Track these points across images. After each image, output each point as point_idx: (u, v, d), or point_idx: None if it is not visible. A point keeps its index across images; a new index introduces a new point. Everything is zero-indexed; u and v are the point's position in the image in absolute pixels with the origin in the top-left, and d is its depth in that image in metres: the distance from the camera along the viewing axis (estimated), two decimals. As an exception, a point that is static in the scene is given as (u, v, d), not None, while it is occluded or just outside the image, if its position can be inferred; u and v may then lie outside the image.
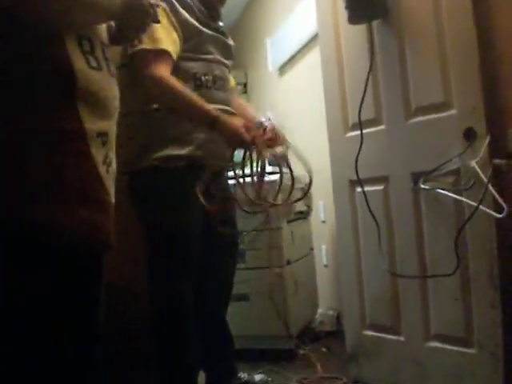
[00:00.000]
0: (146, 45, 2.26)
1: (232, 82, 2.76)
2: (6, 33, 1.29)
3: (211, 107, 2.34)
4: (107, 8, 1.49)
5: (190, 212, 2.38)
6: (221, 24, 2.67)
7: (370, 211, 2.59)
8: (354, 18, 2.56)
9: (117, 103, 1.54)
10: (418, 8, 2.48)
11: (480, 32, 2.27)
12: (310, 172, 2.39)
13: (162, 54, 2.30)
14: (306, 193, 2.56)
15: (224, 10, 2.67)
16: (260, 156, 2.35)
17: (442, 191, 2.36)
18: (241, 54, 2.67)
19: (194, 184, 2.31)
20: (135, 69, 2.31)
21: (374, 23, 2.60)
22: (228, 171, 2.61)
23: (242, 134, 2.31)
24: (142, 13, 1.61)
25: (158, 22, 1.76)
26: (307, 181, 2.42)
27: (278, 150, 2.44)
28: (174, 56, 2.35)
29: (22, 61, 1.31)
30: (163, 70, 2.29)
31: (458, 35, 2.32)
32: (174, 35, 2.37)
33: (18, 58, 1.31)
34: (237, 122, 2.35)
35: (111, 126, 1.51)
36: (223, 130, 2.32)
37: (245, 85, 6.40)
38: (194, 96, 2.33)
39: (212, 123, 2.31)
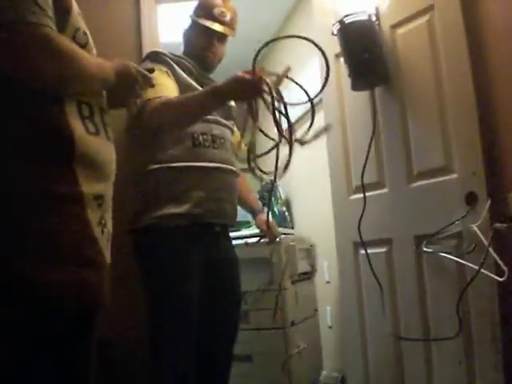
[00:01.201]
0: (148, 95, 2.26)
1: (237, 137, 2.76)
2: (6, 96, 1.35)
3: (206, 88, 2.30)
4: (101, 78, 1.56)
5: (190, 271, 2.36)
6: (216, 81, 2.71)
7: (374, 273, 2.61)
8: (357, 86, 2.65)
9: (114, 166, 1.59)
10: (419, 75, 2.56)
11: (480, 98, 2.35)
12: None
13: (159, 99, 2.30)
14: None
15: (231, 71, 2.69)
16: (273, 86, 2.17)
17: (444, 254, 2.39)
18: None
19: (194, 242, 2.34)
20: (142, 123, 2.33)
21: (377, 89, 2.68)
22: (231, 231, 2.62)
23: (244, 77, 2.16)
24: (132, 81, 1.69)
25: (152, 86, 1.83)
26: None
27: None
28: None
29: (22, 124, 1.37)
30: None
31: (458, 101, 2.39)
32: (174, 92, 2.40)
33: (18, 121, 1.37)
34: (233, 76, 2.20)
35: (108, 189, 1.55)
36: (229, 91, 2.20)
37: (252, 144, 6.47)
38: (188, 94, 2.32)
39: (216, 96, 2.22)
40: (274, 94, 2.13)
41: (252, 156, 2.25)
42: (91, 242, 1.44)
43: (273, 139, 2.22)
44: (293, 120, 2.24)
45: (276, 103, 2.15)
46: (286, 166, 2.23)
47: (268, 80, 2.16)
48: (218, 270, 2.49)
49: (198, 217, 2.38)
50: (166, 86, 2.37)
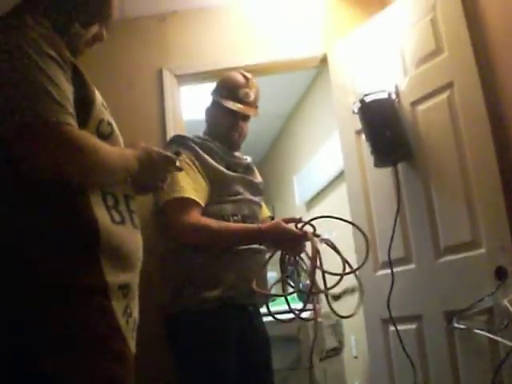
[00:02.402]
0: (172, 194, 2.33)
1: (266, 212, 2.82)
2: (32, 187, 1.37)
3: (249, 225, 2.42)
4: (124, 168, 1.57)
5: (224, 351, 2.34)
6: (248, 159, 2.75)
7: (405, 351, 2.56)
8: (380, 163, 2.68)
9: (140, 254, 1.58)
10: (441, 150, 2.57)
11: (504, 171, 2.34)
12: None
13: (189, 201, 2.37)
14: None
15: (251, 146, 2.76)
16: (313, 245, 2.31)
17: (476, 330, 2.34)
18: (267, 189, 2.78)
19: (227, 324, 2.33)
20: (168, 221, 2.40)
21: (400, 164, 2.70)
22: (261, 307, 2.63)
23: (293, 231, 2.35)
24: (156, 166, 1.69)
25: (180, 170, 1.86)
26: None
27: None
28: (201, 201, 2.40)
29: (48, 215, 1.37)
30: (193, 216, 2.35)
31: (482, 175, 2.40)
32: (200, 181, 2.44)
33: (44, 212, 1.37)
34: (277, 223, 2.39)
35: (133, 278, 1.54)
36: (272, 238, 2.36)
37: (272, 218, 6.49)
38: (231, 224, 2.40)
39: (258, 238, 2.37)
40: (316, 260, 2.28)
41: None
42: (116, 333, 1.42)
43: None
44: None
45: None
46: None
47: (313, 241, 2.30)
48: (251, 349, 2.47)
49: (230, 300, 2.37)
50: (185, 188, 2.38)
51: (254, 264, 2.46)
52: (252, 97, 2.64)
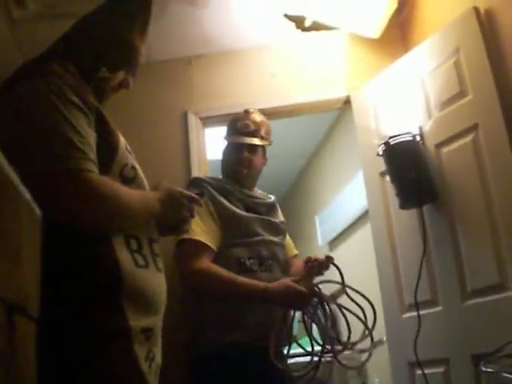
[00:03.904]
0: (182, 235, 2.34)
1: (292, 251, 2.83)
2: (54, 233, 1.34)
3: (257, 282, 2.36)
4: (145, 211, 1.58)
5: None
6: (272, 198, 2.78)
7: (433, 395, 2.53)
8: (405, 205, 2.68)
9: (164, 297, 1.58)
10: (467, 191, 2.56)
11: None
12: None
13: (200, 245, 2.38)
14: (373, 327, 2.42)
15: (274, 185, 2.78)
16: (326, 304, 2.34)
17: (505, 374, 2.31)
18: (289, 228, 2.79)
19: (249, 366, 2.32)
20: (178, 264, 2.41)
21: (425, 206, 2.69)
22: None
23: (299, 291, 2.28)
24: (178, 206, 1.69)
25: (200, 205, 1.85)
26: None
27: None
28: (212, 245, 2.41)
29: (71, 262, 1.37)
30: (202, 261, 2.36)
31: (508, 216, 2.37)
32: (210, 224, 2.46)
33: (67, 259, 1.37)
34: (286, 284, 2.32)
35: (157, 322, 1.53)
36: (278, 298, 2.30)
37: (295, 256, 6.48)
38: (239, 278, 2.36)
39: (263, 296, 2.30)
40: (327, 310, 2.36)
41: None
42: (139, 378, 1.41)
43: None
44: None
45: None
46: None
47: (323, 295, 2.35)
48: None
49: (250, 343, 2.36)
50: (194, 231, 2.39)
51: (273, 308, 2.43)
52: (252, 127, 2.70)
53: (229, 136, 2.76)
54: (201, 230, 2.40)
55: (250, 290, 2.34)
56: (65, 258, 1.37)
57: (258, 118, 2.75)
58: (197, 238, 2.37)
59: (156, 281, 1.55)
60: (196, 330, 2.41)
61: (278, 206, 2.82)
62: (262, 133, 2.72)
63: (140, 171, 1.63)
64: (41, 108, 1.39)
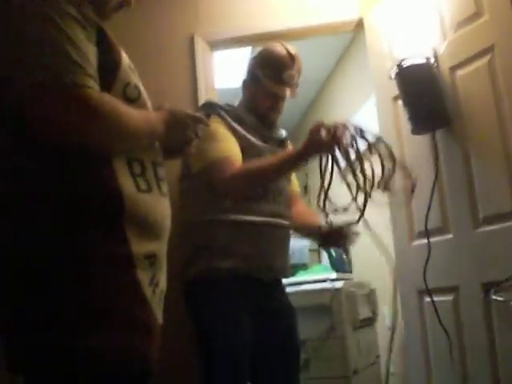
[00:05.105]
0: (216, 155, 2.30)
1: (295, 186, 2.76)
2: (52, 157, 1.31)
3: (283, 152, 2.41)
4: (148, 132, 1.51)
5: (239, 322, 2.32)
6: (283, 132, 2.68)
7: (440, 322, 2.51)
8: (417, 130, 2.60)
9: (168, 223, 1.53)
10: (481, 116, 2.48)
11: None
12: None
13: (235, 160, 2.33)
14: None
15: (287, 112, 2.66)
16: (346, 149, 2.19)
17: (514, 302, 2.28)
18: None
19: (242, 294, 2.31)
20: (214, 179, 2.33)
21: (438, 132, 2.61)
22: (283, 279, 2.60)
23: (318, 136, 2.18)
24: (182, 127, 1.63)
25: (207, 125, 1.77)
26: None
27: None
28: (238, 157, 2.36)
29: (71, 187, 1.32)
30: (237, 167, 2.31)
31: (523, 143, 2.30)
32: (237, 146, 2.40)
33: (67, 183, 1.32)
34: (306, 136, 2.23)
35: (160, 247, 1.49)
36: (307, 148, 2.21)
37: (305, 187, 6.43)
38: (268, 158, 2.36)
39: (299, 155, 2.24)
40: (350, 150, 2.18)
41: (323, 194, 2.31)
42: (142, 303, 1.39)
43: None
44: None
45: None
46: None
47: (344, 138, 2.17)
48: (271, 320, 2.45)
49: (243, 272, 2.34)
50: (229, 143, 2.36)
51: (273, 240, 2.42)
52: (296, 79, 2.53)
53: (267, 78, 2.50)
54: (234, 149, 2.36)
55: (285, 157, 2.32)
56: (62, 181, 1.32)
57: (299, 64, 2.55)
58: (226, 154, 2.33)
59: (159, 206, 1.49)
60: (191, 254, 2.38)
61: (288, 142, 2.74)
62: (298, 81, 2.58)
63: (144, 92, 1.55)
64: (34, 20, 1.28)
